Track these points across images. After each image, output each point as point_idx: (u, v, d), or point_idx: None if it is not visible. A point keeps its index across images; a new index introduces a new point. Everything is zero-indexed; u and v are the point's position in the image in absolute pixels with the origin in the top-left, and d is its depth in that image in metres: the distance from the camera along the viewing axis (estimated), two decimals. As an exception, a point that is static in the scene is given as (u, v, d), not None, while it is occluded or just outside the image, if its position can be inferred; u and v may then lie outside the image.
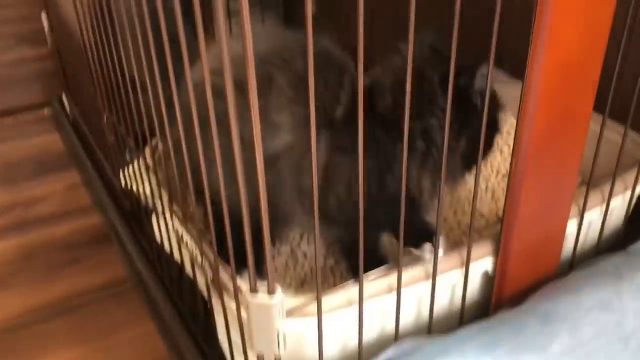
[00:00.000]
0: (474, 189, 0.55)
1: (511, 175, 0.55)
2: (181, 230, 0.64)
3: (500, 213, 0.80)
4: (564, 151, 0.57)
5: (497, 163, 0.90)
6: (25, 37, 1.40)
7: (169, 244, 0.72)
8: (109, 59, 0.74)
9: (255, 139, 0.40)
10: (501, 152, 0.93)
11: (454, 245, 0.61)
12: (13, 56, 1.40)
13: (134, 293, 0.83)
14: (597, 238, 0.71)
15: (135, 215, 0.90)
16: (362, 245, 0.49)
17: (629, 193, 0.70)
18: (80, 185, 1.11)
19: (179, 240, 0.65)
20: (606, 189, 0.68)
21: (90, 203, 1.05)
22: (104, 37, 0.73)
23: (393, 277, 0.55)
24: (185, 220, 0.62)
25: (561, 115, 0.54)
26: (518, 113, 0.52)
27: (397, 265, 0.53)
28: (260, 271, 0.46)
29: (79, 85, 1.08)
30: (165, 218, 0.70)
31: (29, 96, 1.45)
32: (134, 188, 0.83)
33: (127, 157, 0.90)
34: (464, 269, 0.59)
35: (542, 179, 0.57)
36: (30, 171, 1.17)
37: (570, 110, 0.54)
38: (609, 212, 0.68)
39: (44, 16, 1.24)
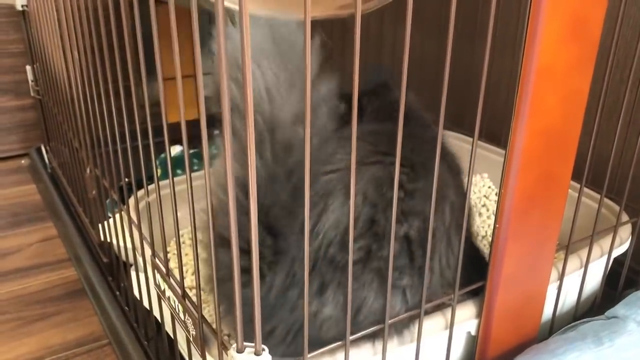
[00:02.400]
0: (459, 252, 0.56)
1: (495, 238, 0.56)
2: (163, 285, 0.63)
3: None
4: (544, 216, 0.58)
5: (476, 225, 0.91)
6: (8, 88, 1.40)
7: (148, 299, 0.71)
8: (97, 112, 0.74)
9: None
10: (480, 214, 0.94)
11: (437, 307, 0.61)
12: (-5, 106, 1.40)
13: (109, 350, 0.80)
14: (575, 301, 0.72)
15: (112, 269, 0.89)
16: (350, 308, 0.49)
17: (605, 258, 0.72)
18: (55, 237, 1.09)
19: (161, 295, 0.64)
20: (583, 254, 0.69)
21: (66, 256, 1.03)
22: (94, 89, 0.73)
23: (378, 340, 0.55)
24: (168, 275, 0.62)
25: (542, 180, 0.56)
26: (501, 178, 0.54)
27: (382, 327, 0.54)
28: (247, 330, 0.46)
29: (62, 137, 1.08)
30: (146, 272, 0.69)
31: (8, 146, 1.44)
32: (114, 242, 0.82)
33: (108, 210, 0.89)
34: (447, 330, 0.59)
35: (524, 242, 0.58)
36: (4, 222, 1.15)
37: (550, 176, 0.56)
38: (586, 276, 0.70)
39: (28, 68, 1.25)
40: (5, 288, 0.94)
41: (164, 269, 0.62)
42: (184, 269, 0.86)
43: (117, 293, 0.86)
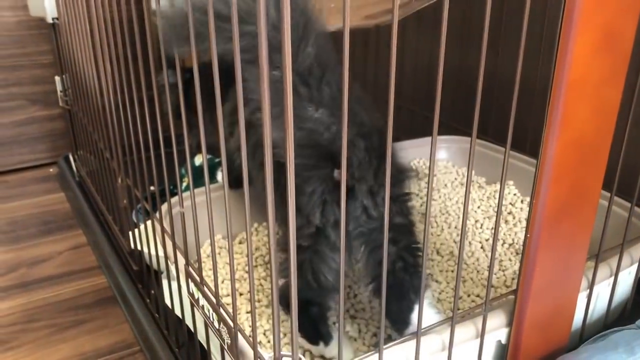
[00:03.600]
0: (490, 263, 0.56)
1: (526, 248, 0.57)
2: (197, 293, 0.64)
3: (509, 282, 0.81)
4: (575, 225, 0.58)
5: (502, 233, 0.91)
6: (38, 98, 1.43)
7: (180, 307, 0.72)
8: (130, 121, 0.76)
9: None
10: (506, 222, 0.95)
11: (464, 315, 0.62)
12: (25, 116, 1.43)
13: (140, 357, 0.82)
14: (605, 310, 0.72)
15: (142, 276, 0.91)
16: (383, 313, 0.50)
17: (635, 266, 0.72)
18: (85, 245, 1.11)
19: (194, 303, 0.65)
20: (613, 262, 0.69)
21: (96, 264, 1.05)
22: (127, 99, 0.75)
23: (411, 348, 0.56)
24: (202, 284, 0.63)
25: (573, 190, 0.56)
26: (532, 189, 0.54)
27: (414, 335, 0.54)
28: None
29: (92, 146, 1.10)
30: (179, 281, 0.70)
31: (37, 155, 1.47)
32: (145, 250, 0.83)
33: (134, 218, 0.91)
34: (478, 339, 0.60)
35: (554, 252, 0.58)
36: (35, 230, 1.17)
37: (581, 186, 0.56)
38: (616, 284, 0.70)
39: (57, 79, 1.27)
40: (38, 295, 0.96)
41: (197, 278, 0.63)
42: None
43: (148, 300, 0.88)
